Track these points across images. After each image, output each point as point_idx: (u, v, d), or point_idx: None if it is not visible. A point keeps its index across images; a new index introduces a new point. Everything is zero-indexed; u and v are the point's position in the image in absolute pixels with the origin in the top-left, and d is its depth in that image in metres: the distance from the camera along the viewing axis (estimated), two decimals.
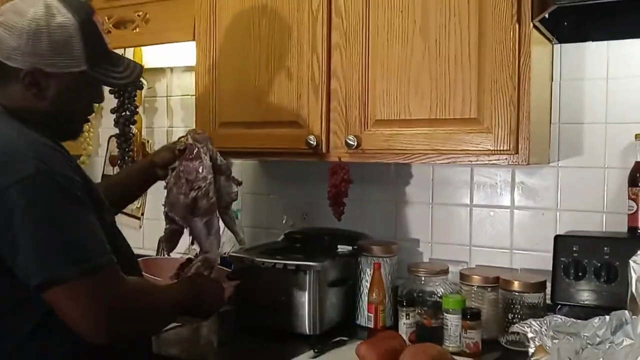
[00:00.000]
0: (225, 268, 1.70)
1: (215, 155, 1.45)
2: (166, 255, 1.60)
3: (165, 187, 1.45)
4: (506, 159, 1.46)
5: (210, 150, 1.44)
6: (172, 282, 1.39)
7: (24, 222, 1.04)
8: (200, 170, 1.39)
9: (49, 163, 1.09)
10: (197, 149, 1.41)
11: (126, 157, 2.16)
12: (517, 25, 1.41)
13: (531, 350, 1.21)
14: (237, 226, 1.58)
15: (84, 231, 1.09)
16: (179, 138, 1.49)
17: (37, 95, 1.18)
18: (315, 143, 1.65)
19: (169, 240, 1.51)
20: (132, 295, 1.15)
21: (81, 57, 1.19)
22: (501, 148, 1.45)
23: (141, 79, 2.19)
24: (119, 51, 2.17)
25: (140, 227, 2.47)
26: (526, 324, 1.29)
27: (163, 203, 1.45)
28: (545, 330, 1.28)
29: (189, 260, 1.47)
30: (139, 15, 2.02)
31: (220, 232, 1.48)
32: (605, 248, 1.57)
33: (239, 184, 1.55)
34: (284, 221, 2.09)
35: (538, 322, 1.29)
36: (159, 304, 1.24)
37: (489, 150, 1.46)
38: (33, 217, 1.05)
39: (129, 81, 1.31)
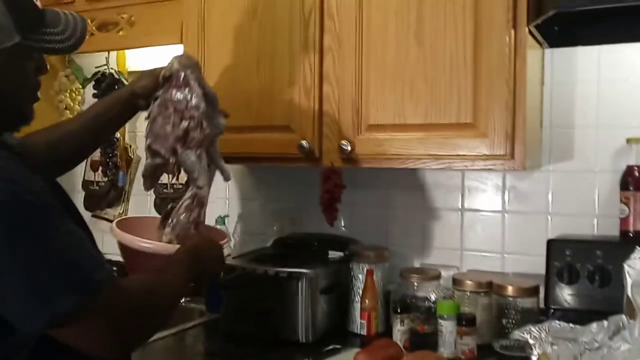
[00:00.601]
0: (214, 227, 1.61)
1: (203, 82, 1.35)
2: (146, 189, 1.46)
3: (147, 118, 1.34)
4: (502, 164, 1.45)
5: (199, 77, 1.34)
6: (168, 258, 1.22)
7: (8, 261, 0.87)
8: (191, 99, 1.29)
9: (12, 179, 0.90)
10: (184, 75, 1.30)
11: (110, 163, 2.11)
12: (512, 30, 1.41)
13: (534, 358, 1.20)
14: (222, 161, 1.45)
15: (73, 248, 0.94)
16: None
17: None
18: (307, 148, 1.62)
19: (151, 176, 1.39)
20: (142, 301, 1.04)
21: (10, 28, 0.96)
22: (497, 153, 1.44)
23: (125, 83, 2.15)
24: (103, 54, 2.16)
25: None
26: (526, 330, 1.28)
27: (145, 135, 1.35)
28: (545, 336, 1.27)
29: (172, 209, 1.37)
30: (123, 18, 1.97)
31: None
32: (598, 252, 1.57)
33: (227, 115, 1.45)
34: (275, 228, 2.06)
35: (537, 328, 1.28)
36: (168, 294, 1.14)
37: (485, 155, 1.46)
38: (17, 253, 0.88)
39: (74, 43, 1.06)
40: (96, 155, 2.31)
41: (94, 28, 2.02)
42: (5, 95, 1.01)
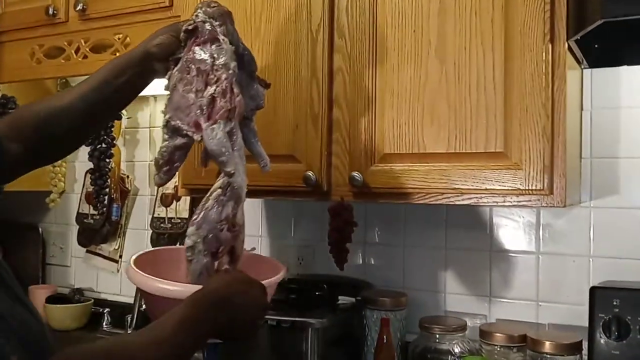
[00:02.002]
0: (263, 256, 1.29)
1: (237, 38, 1.09)
2: (159, 182, 1.14)
3: (166, 87, 1.07)
4: (538, 199, 1.25)
5: (230, 30, 1.07)
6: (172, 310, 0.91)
7: None
8: (218, 57, 1.02)
9: None
10: (211, 27, 1.05)
11: (101, 195, 1.95)
12: (550, 45, 1.22)
13: None
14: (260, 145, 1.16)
15: None
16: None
17: None
18: (314, 180, 1.44)
19: (169, 162, 1.09)
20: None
21: None
22: (533, 187, 1.24)
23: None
24: None
25: (118, 270, 2.24)
26: None
27: (163, 109, 1.08)
28: None
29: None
30: (118, 38, 1.83)
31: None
32: None
33: (267, 85, 1.17)
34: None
35: None
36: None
37: (518, 189, 1.25)
38: None
39: None
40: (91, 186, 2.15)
41: (87, 50, 1.89)
42: None
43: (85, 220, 2.24)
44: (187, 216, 2.02)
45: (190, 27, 1.05)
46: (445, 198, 1.34)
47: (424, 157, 1.35)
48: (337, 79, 1.45)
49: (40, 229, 2.44)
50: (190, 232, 1.05)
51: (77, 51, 1.90)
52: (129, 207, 2.21)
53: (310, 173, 1.44)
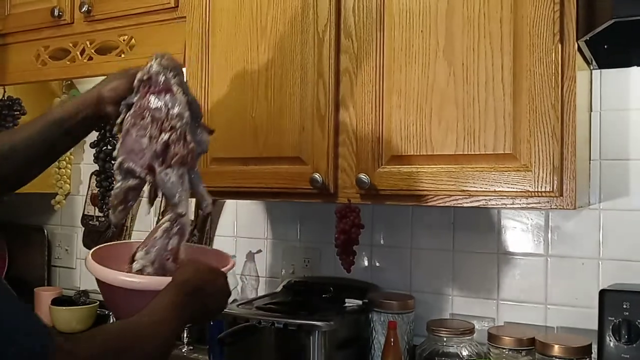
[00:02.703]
0: (212, 248, 1.37)
1: (186, 87, 1.15)
2: (114, 221, 1.18)
3: (117, 130, 1.13)
4: (548, 202, 1.24)
5: (182, 81, 1.13)
6: (156, 298, 0.99)
7: None
8: (172, 107, 1.08)
9: None
10: (166, 78, 1.10)
11: (107, 197, 1.94)
12: (559, 46, 1.21)
13: None
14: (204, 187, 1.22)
15: (8, 311, 0.75)
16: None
17: None
18: (321, 182, 1.42)
19: (123, 201, 1.13)
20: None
21: None
22: (542, 189, 1.22)
23: None
24: (102, 79, 2.01)
25: None
26: None
27: (115, 152, 1.14)
28: None
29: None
30: (123, 40, 1.82)
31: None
32: None
33: (211, 132, 1.22)
34: (282, 272, 1.87)
35: None
36: (151, 350, 0.90)
37: (528, 191, 1.24)
38: None
39: None
40: (97, 188, 2.15)
41: (92, 51, 1.88)
42: None
43: (90, 222, 2.23)
44: (192, 218, 2.01)
45: (145, 77, 1.10)
46: (453, 200, 1.33)
47: (432, 159, 1.34)
48: (343, 79, 1.44)
49: (45, 231, 2.44)
50: (139, 256, 1.12)
51: (82, 53, 1.89)
52: (134, 209, 2.20)
53: (317, 175, 1.43)
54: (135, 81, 1.11)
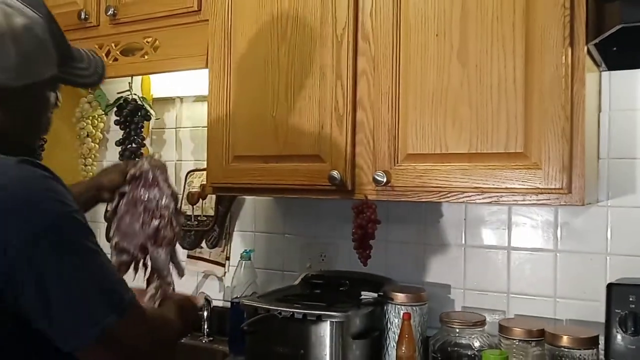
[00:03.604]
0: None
1: (170, 183, 1.37)
2: None
3: (110, 215, 1.35)
4: (558, 198, 1.29)
5: (167, 177, 1.36)
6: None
7: (58, 279, 0.90)
8: (161, 198, 1.32)
9: (62, 200, 0.94)
10: (154, 175, 1.33)
11: None
12: (569, 49, 1.26)
13: None
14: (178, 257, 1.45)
15: (107, 269, 0.97)
16: (135, 162, 1.38)
17: (5, 113, 1.00)
18: (339, 179, 1.49)
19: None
20: (154, 328, 1.06)
21: (52, 60, 1.03)
22: (552, 187, 1.28)
23: (149, 109, 2.07)
24: (127, 80, 2.09)
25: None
26: None
27: (111, 233, 1.34)
28: None
29: None
30: (147, 42, 1.89)
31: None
32: None
33: (186, 217, 1.49)
34: (308, 266, 1.93)
35: None
36: (175, 330, 1.16)
37: (538, 189, 1.30)
38: (67, 271, 0.90)
39: (96, 79, 1.18)
40: None
41: (118, 53, 1.95)
42: (27, 127, 1.05)
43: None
44: (212, 214, 2.08)
45: (137, 173, 1.32)
46: (466, 197, 1.39)
47: (446, 157, 1.40)
48: (361, 81, 1.50)
49: None
50: None
51: (107, 54, 1.96)
52: None
53: (335, 172, 1.49)
54: (128, 175, 1.32)
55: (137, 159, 1.32)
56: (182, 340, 1.99)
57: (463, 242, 1.75)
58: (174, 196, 1.35)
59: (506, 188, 1.33)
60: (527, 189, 1.31)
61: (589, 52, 1.32)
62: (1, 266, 0.87)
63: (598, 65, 1.51)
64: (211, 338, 2.04)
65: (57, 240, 0.90)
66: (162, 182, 1.33)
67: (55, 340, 0.92)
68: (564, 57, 1.27)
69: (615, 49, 1.42)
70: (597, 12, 1.25)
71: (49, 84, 1.05)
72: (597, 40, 1.25)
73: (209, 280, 2.18)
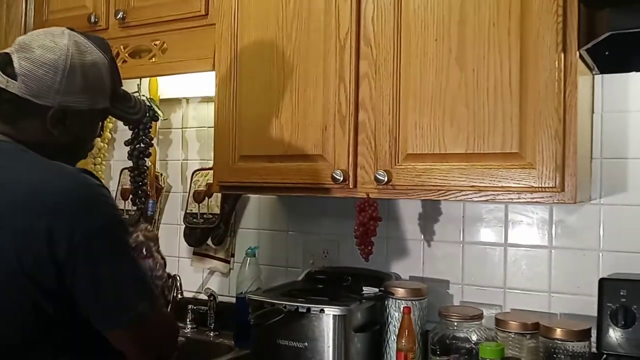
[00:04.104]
0: None
1: (161, 254, 1.47)
2: None
3: None
4: (551, 196, 1.36)
5: (159, 249, 1.46)
6: None
7: (108, 269, 1.09)
8: (155, 269, 1.42)
9: (113, 205, 1.16)
10: (149, 247, 1.42)
11: (140, 191, 2.07)
12: (562, 54, 1.33)
13: None
14: None
15: (140, 265, 1.20)
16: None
17: (60, 132, 1.18)
18: (341, 178, 1.55)
19: None
20: (169, 322, 1.27)
21: (107, 95, 1.24)
22: (546, 185, 1.34)
23: (157, 110, 2.13)
24: (136, 81, 2.15)
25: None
26: None
27: None
28: None
29: None
30: (155, 45, 1.95)
31: None
32: None
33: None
34: (311, 262, 1.99)
35: None
36: (174, 328, 1.33)
37: (532, 187, 1.36)
38: (115, 263, 1.10)
39: (140, 117, 1.39)
40: (127, 183, 2.28)
41: (126, 55, 2.00)
42: (80, 144, 1.26)
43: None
44: (218, 212, 2.14)
45: (133, 245, 1.38)
46: (464, 195, 1.45)
47: (445, 157, 1.46)
48: (363, 84, 1.56)
49: None
50: None
51: (116, 56, 1.98)
52: (162, 203, 2.33)
53: (338, 171, 1.55)
54: None
55: (132, 230, 1.41)
56: (189, 335, 2.08)
57: (461, 239, 1.81)
58: (165, 265, 1.46)
59: (502, 187, 1.39)
60: (522, 187, 1.37)
61: (581, 57, 1.38)
62: (65, 254, 1.04)
63: (591, 69, 1.57)
64: (217, 332, 2.09)
65: (110, 238, 1.10)
66: (155, 252, 1.42)
67: (95, 321, 1.09)
68: (557, 62, 1.33)
69: (607, 53, 1.48)
70: (589, 20, 1.31)
71: (100, 114, 1.26)
72: (588, 46, 1.31)
73: (214, 276, 2.24)
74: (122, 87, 1.32)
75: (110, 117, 1.44)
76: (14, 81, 1.13)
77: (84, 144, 1.28)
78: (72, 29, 1.23)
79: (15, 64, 1.14)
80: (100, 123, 1.31)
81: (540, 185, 1.35)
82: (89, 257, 1.06)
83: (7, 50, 1.18)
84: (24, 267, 1.04)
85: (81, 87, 1.17)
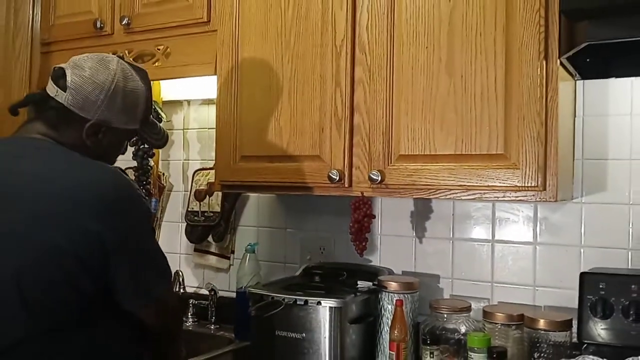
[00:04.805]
0: None
1: None
2: None
3: None
4: (533, 195, 1.45)
5: None
6: None
7: (143, 255, 1.27)
8: None
9: (144, 201, 1.33)
10: None
11: (144, 190, 2.14)
12: (544, 62, 1.42)
13: None
14: None
15: (162, 251, 1.34)
16: None
17: (92, 142, 1.33)
18: (337, 177, 1.64)
19: None
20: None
21: (138, 118, 1.40)
22: (528, 184, 1.44)
23: (160, 112, 2.21)
24: None
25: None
26: None
27: None
28: None
29: None
30: (159, 50, 2.02)
31: None
32: (633, 286, 1.55)
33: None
34: (308, 258, 2.08)
35: None
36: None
37: (516, 186, 1.45)
38: (148, 250, 1.29)
39: (162, 143, 1.57)
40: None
41: (131, 59, 2.07)
42: (106, 155, 1.39)
43: None
44: (218, 210, 2.22)
45: None
46: (452, 194, 1.54)
47: (435, 158, 1.55)
48: (358, 88, 1.65)
49: None
50: None
51: None
52: (164, 202, 2.41)
53: (334, 171, 1.64)
54: None
55: None
56: (191, 328, 2.16)
57: (451, 235, 1.89)
58: None
59: (488, 186, 1.48)
60: (506, 186, 1.46)
61: (562, 64, 1.47)
62: (113, 242, 1.19)
63: (573, 75, 1.66)
64: (217, 326, 2.17)
65: (146, 230, 1.31)
66: None
67: (126, 300, 1.25)
68: (539, 69, 1.42)
69: (588, 60, 1.57)
70: (569, 30, 1.39)
71: (128, 134, 1.42)
72: (569, 54, 1.40)
73: (215, 272, 2.32)
74: (151, 115, 1.48)
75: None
76: (64, 92, 1.29)
77: (110, 156, 1.42)
78: (121, 57, 1.43)
79: (68, 78, 1.30)
80: (127, 142, 1.48)
81: (523, 185, 1.44)
82: (129, 245, 1.22)
83: (62, 65, 1.34)
84: (76, 249, 1.16)
85: (120, 108, 1.33)
